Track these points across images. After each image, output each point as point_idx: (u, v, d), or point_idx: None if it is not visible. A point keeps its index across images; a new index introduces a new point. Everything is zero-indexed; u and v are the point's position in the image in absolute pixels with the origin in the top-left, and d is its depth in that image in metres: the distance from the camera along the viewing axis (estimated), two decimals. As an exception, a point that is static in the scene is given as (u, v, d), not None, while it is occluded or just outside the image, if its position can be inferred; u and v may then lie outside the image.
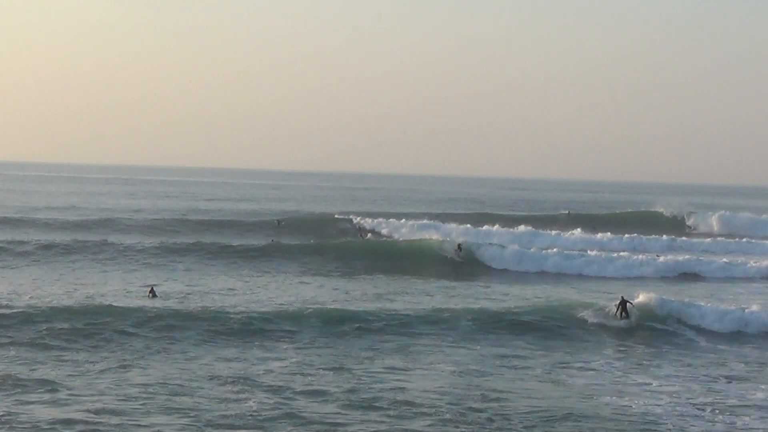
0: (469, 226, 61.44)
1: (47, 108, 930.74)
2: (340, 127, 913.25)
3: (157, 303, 31.37)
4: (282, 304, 32.09)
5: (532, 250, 50.59)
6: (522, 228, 61.34)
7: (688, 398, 20.93)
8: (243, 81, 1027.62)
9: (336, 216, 66.81)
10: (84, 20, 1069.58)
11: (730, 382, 22.80)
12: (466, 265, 47.22)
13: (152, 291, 35.25)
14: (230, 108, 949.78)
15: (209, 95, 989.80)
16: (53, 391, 19.70)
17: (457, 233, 55.77)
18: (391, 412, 19.11)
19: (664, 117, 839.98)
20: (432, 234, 52.71)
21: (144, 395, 19.62)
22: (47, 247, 45.17)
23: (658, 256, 53.75)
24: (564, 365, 24.34)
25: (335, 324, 28.17)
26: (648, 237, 59.79)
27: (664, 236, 60.87)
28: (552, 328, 29.35)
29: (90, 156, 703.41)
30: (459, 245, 51.03)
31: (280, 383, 21.07)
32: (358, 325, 28.17)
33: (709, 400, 20.82)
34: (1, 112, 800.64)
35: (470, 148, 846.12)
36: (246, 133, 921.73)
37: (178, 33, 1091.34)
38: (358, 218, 63.07)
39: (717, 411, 19.88)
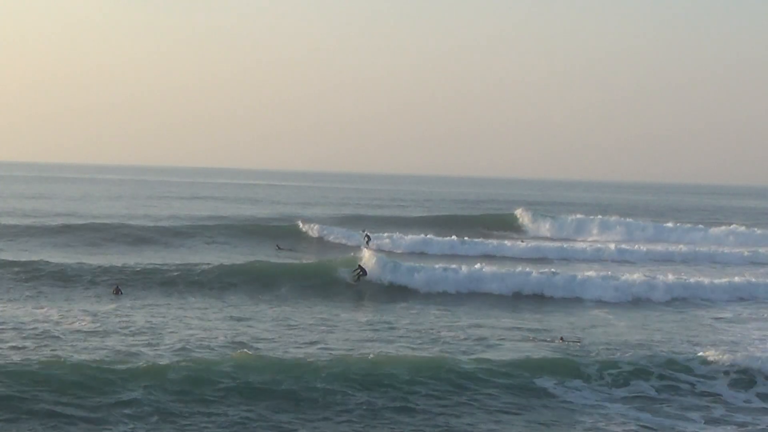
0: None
1: (47, 108, 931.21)
2: (340, 128, 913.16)
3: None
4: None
5: None
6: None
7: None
8: (243, 81, 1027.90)
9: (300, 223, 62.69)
10: (84, 20, 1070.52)
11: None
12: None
13: (117, 289, 34.23)
14: (230, 108, 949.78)
15: (209, 95, 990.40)
16: None
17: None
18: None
19: (664, 117, 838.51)
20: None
21: None
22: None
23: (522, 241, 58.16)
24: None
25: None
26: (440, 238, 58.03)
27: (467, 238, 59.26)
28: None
29: (90, 156, 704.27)
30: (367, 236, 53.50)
31: None
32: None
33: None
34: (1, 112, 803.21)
35: (470, 148, 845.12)
36: (246, 133, 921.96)
37: (179, 33, 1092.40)
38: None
39: None
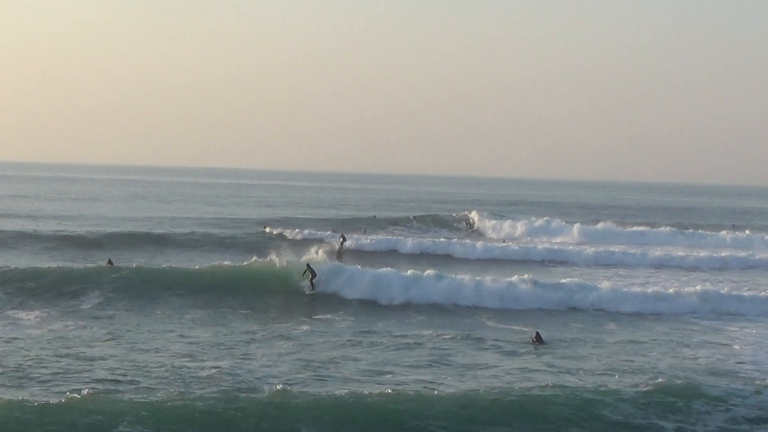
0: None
1: (47, 108, 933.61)
2: (340, 128, 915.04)
3: None
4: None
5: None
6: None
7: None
8: (243, 81, 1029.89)
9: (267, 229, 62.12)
10: (84, 20, 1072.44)
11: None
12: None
13: (110, 261, 36.91)
14: (230, 108, 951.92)
15: (209, 95, 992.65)
16: None
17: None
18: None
19: (664, 117, 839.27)
20: None
21: None
22: None
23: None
24: None
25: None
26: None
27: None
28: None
29: (90, 156, 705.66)
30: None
31: None
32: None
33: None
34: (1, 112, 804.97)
35: (470, 148, 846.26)
36: (246, 133, 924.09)
37: (179, 33, 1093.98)
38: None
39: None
